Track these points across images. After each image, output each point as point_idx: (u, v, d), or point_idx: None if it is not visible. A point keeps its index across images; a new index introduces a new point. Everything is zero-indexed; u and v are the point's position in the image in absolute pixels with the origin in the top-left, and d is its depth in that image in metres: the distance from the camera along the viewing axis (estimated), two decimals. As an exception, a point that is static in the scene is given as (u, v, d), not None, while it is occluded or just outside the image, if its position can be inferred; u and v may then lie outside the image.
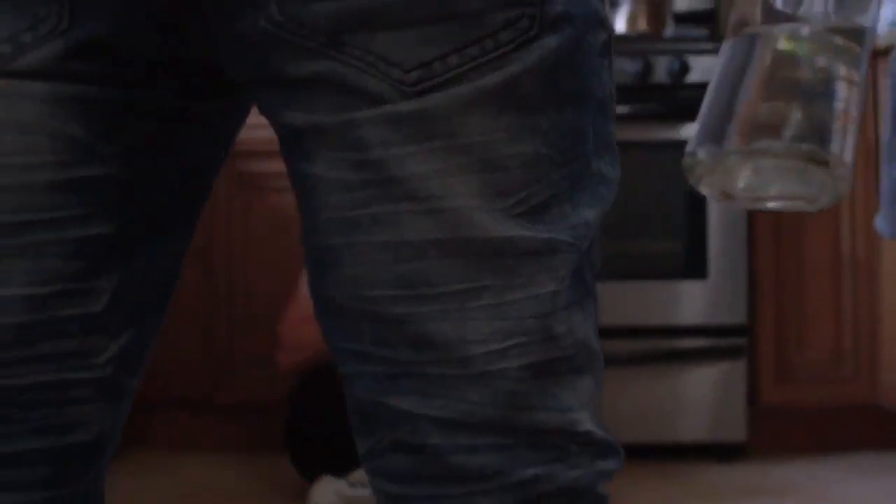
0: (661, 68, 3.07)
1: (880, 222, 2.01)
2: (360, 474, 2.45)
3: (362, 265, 0.67)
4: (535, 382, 0.67)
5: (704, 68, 3.06)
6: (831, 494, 2.64)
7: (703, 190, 0.66)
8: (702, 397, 3.01)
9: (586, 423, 0.69)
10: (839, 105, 0.64)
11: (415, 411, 0.68)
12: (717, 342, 3.01)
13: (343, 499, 2.37)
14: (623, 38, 3.34)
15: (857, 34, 0.66)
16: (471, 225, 0.66)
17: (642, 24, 3.43)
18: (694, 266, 3.03)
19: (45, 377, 0.70)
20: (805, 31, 0.65)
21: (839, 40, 0.65)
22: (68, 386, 0.71)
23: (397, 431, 0.69)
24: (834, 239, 3.08)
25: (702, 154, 0.64)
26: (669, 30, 3.47)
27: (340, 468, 2.44)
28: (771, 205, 0.67)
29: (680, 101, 3.03)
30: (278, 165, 0.81)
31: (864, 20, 0.66)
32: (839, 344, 3.08)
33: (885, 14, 3.21)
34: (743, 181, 0.65)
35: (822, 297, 3.06)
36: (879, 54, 3.02)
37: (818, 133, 0.63)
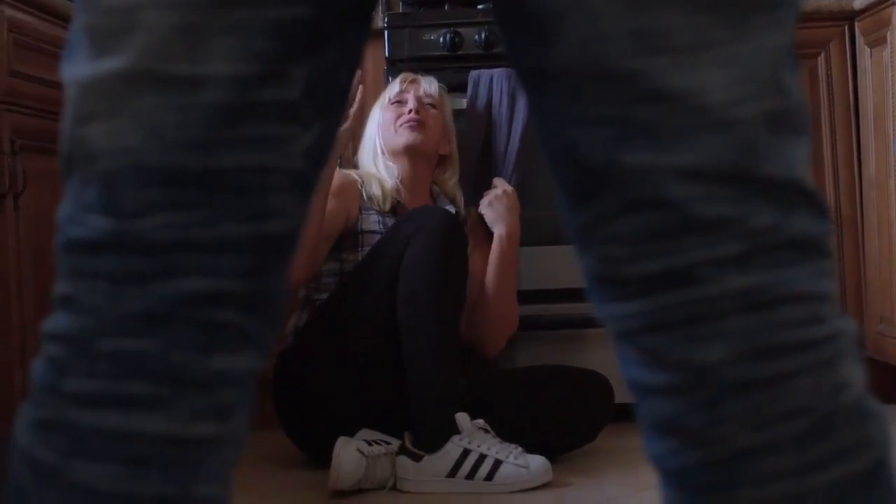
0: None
1: None
2: (365, 433, 2.47)
3: (593, 24, 0.68)
4: (769, 132, 0.69)
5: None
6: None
7: None
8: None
9: (809, 180, 0.72)
10: None
11: (652, 164, 0.69)
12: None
13: (366, 455, 2.38)
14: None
15: None
16: None
17: None
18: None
19: (245, 161, 0.70)
20: None
21: None
22: (267, 172, 0.72)
23: (631, 189, 0.69)
24: (819, 197, 3.15)
25: None
26: None
27: (338, 433, 2.47)
28: None
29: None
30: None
31: None
32: (827, 300, 3.14)
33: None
34: None
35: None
36: (856, 16, 3.12)
37: None
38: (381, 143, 2.81)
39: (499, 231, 2.76)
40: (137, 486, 0.71)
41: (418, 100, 2.80)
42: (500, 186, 2.81)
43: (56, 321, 0.74)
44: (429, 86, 2.84)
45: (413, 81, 2.84)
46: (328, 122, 0.77)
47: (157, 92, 0.70)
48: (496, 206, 2.77)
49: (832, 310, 0.71)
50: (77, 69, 0.72)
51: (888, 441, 0.73)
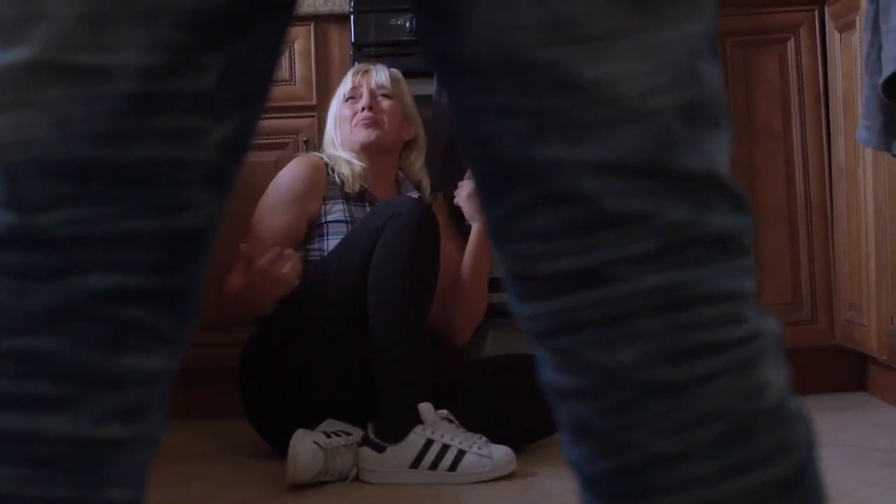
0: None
1: (861, 132, 2.06)
2: (327, 424, 2.45)
3: (503, 12, 0.66)
4: (684, 123, 0.66)
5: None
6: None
7: None
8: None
9: (727, 175, 0.69)
10: None
11: (565, 157, 0.66)
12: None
13: (323, 448, 2.36)
14: None
15: None
16: None
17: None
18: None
19: (156, 153, 0.69)
20: None
21: None
22: (179, 164, 0.70)
23: (545, 182, 0.67)
24: (788, 184, 3.14)
25: None
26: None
27: (302, 424, 2.45)
28: None
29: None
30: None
31: None
32: (797, 288, 3.15)
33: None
34: None
35: (778, 242, 3.12)
36: (826, 0, 3.10)
37: None
38: (338, 140, 2.79)
39: (478, 225, 2.74)
40: (42, 489, 0.69)
41: (371, 93, 2.77)
42: None
43: None
44: (379, 75, 2.81)
45: (365, 73, 2.82)
46: (246, 113, 0.74)
47: (63, 83, 0.67)
48: (475, 200, 2.74)
49: (753, 309, 0.69)
50: None
51: (812, 444, 0.70)
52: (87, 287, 0.68)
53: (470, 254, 2.76)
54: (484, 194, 0.72)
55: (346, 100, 2.80)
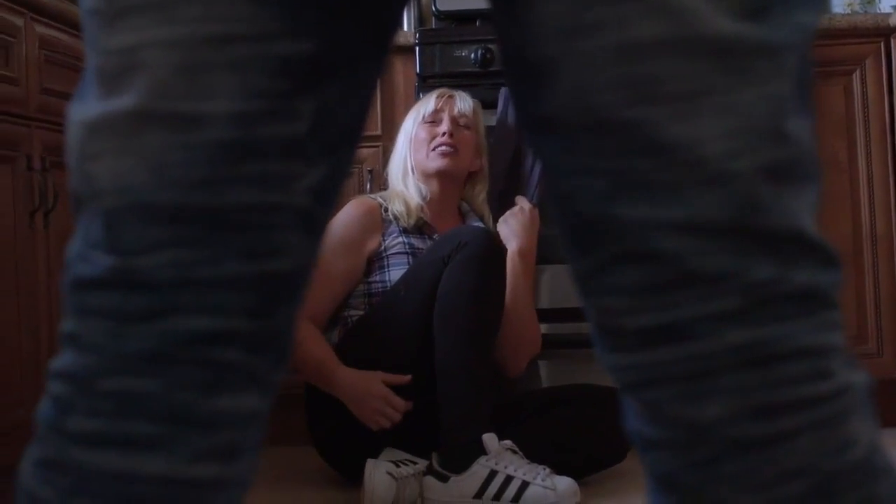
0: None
1: None
2: (390, 452, 2.47)
3: (586, 71, 0.66)
4: (769, 183, 0.66)
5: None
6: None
7: None
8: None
9: (814, 230, 0.69)
10: None
11: (647, 218, 0.66)
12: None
13: (395, 478, 2.38)
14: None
15: None
16: (699, 22, 0.65)
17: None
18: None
19: (248, 198, 0.70)
20: None
21: None
22: (271, 209, 0.71)
23: (627, 241, 0.67)
24: (854, 217, 3.12)
25: None
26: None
27: (365, 451, 2.48)
28: None
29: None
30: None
31: None
32: (862, 321, 3.12)
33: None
34: None
35: (844, 275, 3.08)
36: (892, 32, 3.08)
37: None
38: (411, 161, 2.80)
39: (511, 248, 2.74)
40: None
41: (453, 120, 2.78)
42: (520, 203, 2.80)
43: (61, 359, 0.73)
44: (463, 104, 2.82)
45: (449, 98, 2.83)
46: (337, 159, 0.75)
47: (161, 130, 0.69)
48: (510, 223, 2.76)
49: (841, 362, 0.69)
50: (86, 109, 0.72)
51: None
52: (183, 329, 0.70)
53: (508, 281, 2.69)
54: (569, 248, 0.73)
55: (426, 122, 2.80)
